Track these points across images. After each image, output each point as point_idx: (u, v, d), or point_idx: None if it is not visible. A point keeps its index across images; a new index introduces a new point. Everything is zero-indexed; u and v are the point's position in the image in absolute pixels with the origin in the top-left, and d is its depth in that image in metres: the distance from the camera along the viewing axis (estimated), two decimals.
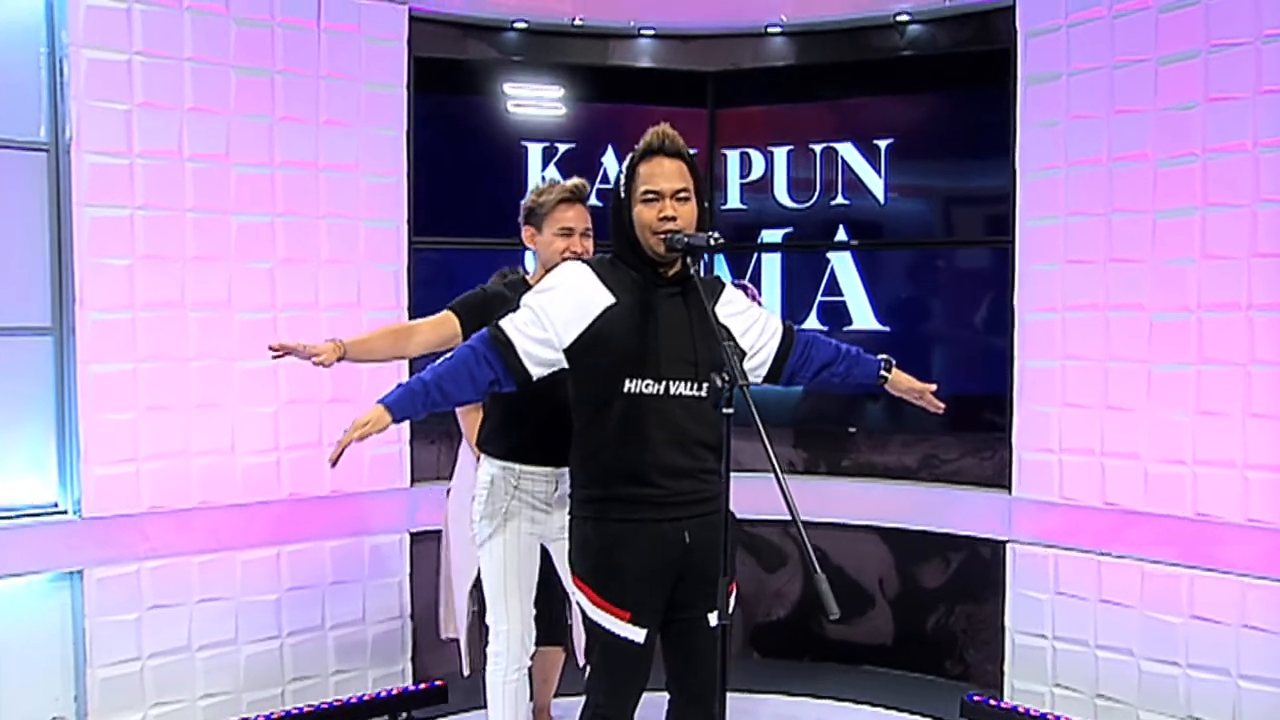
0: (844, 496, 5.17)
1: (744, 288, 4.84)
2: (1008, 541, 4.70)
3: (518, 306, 2.84)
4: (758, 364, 2.98)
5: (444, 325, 3.42)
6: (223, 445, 4.42)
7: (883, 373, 3.16)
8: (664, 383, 2.77)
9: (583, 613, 2.87)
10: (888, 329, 5.09)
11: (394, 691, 4.65)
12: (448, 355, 2.83)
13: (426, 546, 4.75)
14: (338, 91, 4.65)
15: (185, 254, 4.32)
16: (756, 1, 5.13)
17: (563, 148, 5.13)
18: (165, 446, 4.29)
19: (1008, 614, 4.69)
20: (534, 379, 2.81)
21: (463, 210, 5.00)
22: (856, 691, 4.94)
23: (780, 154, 5.26)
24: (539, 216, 3.52)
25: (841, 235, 5.18)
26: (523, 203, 3.59)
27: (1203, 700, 4.12)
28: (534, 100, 5.13)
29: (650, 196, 2.78)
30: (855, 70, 5.16)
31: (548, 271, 3.08)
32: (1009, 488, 4.70)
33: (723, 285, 3.00)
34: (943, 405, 3.23)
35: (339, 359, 3.24)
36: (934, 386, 3.22)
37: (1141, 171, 4.25)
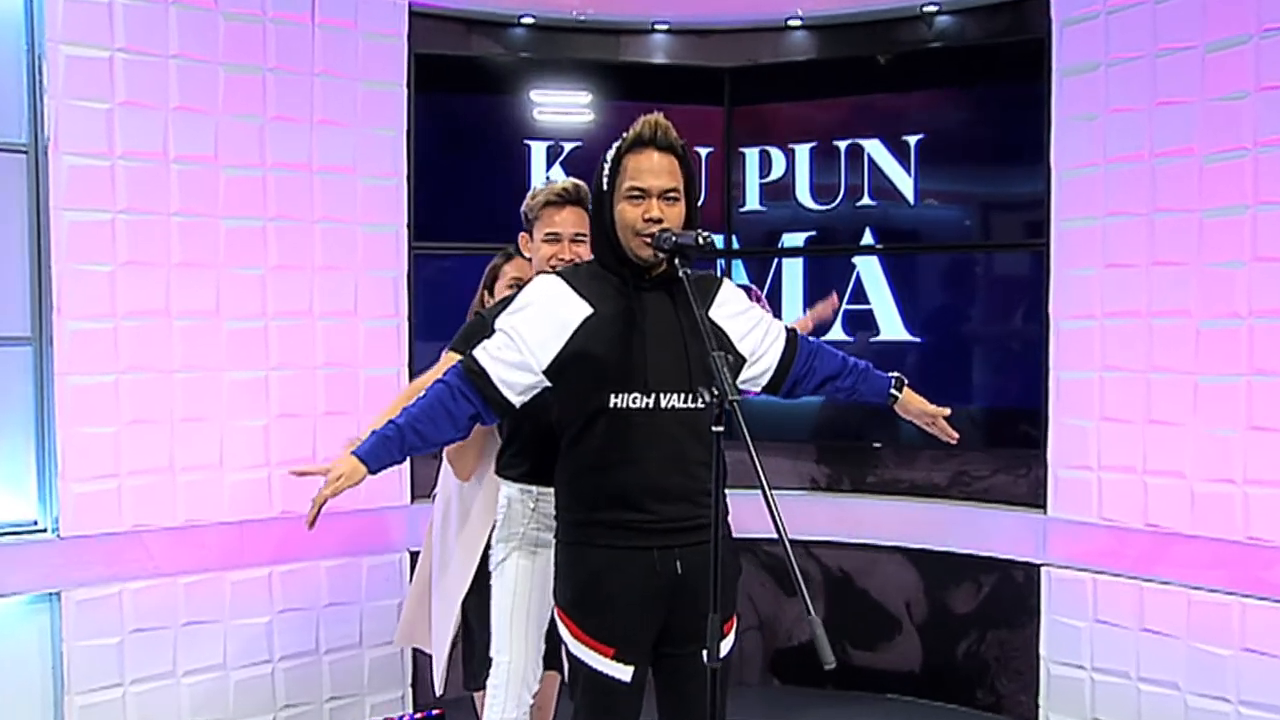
0: (869, 515, 4.92)
1: (747, 289, 4.51)
2: (1043, 565, 4.44)
3: (493, 330, 2.61)
4: (758, 372, 2.73)
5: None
6: (210, 461, 4.22)
7: (893, 391, 2.90)
8: (653, 395, 2.52)
9: (565, 647, 2.63)
10: (918, 339, 4.82)
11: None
12: (421, 394, 2.59)
13: None
14: (333, 90, 4.45)
15: (170, 260, 4.13)
16: None
17: (569, 147, 4.90)
18: (149, 462, 4.10)
19: (1043, 642, 4.43)
20: (517, 407, 2.57)
21: (466, 214, 4.78)
22: None
23: (802, 152, 5.00)
24: (530, 221, 3.27)
25: (868, 239, 4.91)
26: (521, 209, 3.35)
27: None
28: (541, 99, 4.90)
29: (635, 194, 2.53)
30: (881, 65, 4.89)
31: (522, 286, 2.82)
32: (1044, 507, 4.44)
33: (719, 283, 2.72)
34: (956, 435, 2.95)
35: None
36: (947, 411, 2.94)
37: (1187, 168, 3.96)
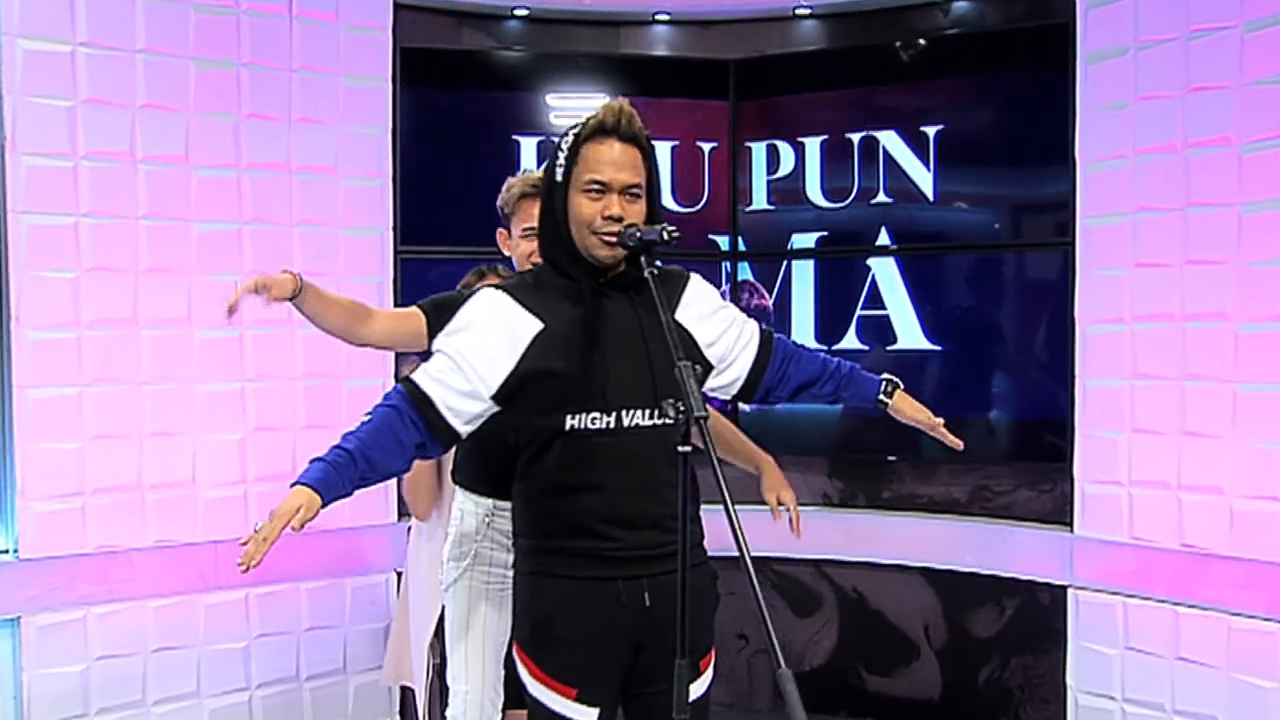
0: (884, 533, 4.64)
1: (751, 287, 4.12)
2: (1069, 587, 4.16)
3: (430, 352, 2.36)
4: (727, 381, 2.47)
5: (407, 320, 2.89)
6: (182, 477, 4.01)
7: (882, 397, 2.61)
8: (614, 414, 2.26)
9: (523, 687, 2.37)
10: (938, 348, 4.55)
11: None
12: (366, 417, 2.31)
13: None
14: (313, 86, 4.23)
15: (138, 266, 3.92)
16: None
17: None
18: (115, 480, 3.88)
19: (1070, 669, 4.14)
20: (463, 436, 2.30)
21: (456, 216, 4.54)
22: None
23: (813, 146, 4.72)
24: (507, 216, 3.03)
25: (884, 239, 4.63)
26: (498, 203, 3.10)
27: None
28: (537, 95, 4.66)
29: (594, 188, 2.26)
30: (894, 54, 4.61)
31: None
32: (1070, 525, 4.16)
33: (686, 280, 2.44)
34: (960, 443, 2.66)
35: (290, 298, 2.72)
36: (941, 421, 2.66)
37: (1224, 158, 3.68)
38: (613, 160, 2.28)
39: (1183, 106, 3.77)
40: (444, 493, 3.26)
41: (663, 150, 4.76)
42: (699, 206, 4.81)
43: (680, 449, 2.03)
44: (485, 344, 2.25)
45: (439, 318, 2.76)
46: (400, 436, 2.24)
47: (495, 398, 2.26)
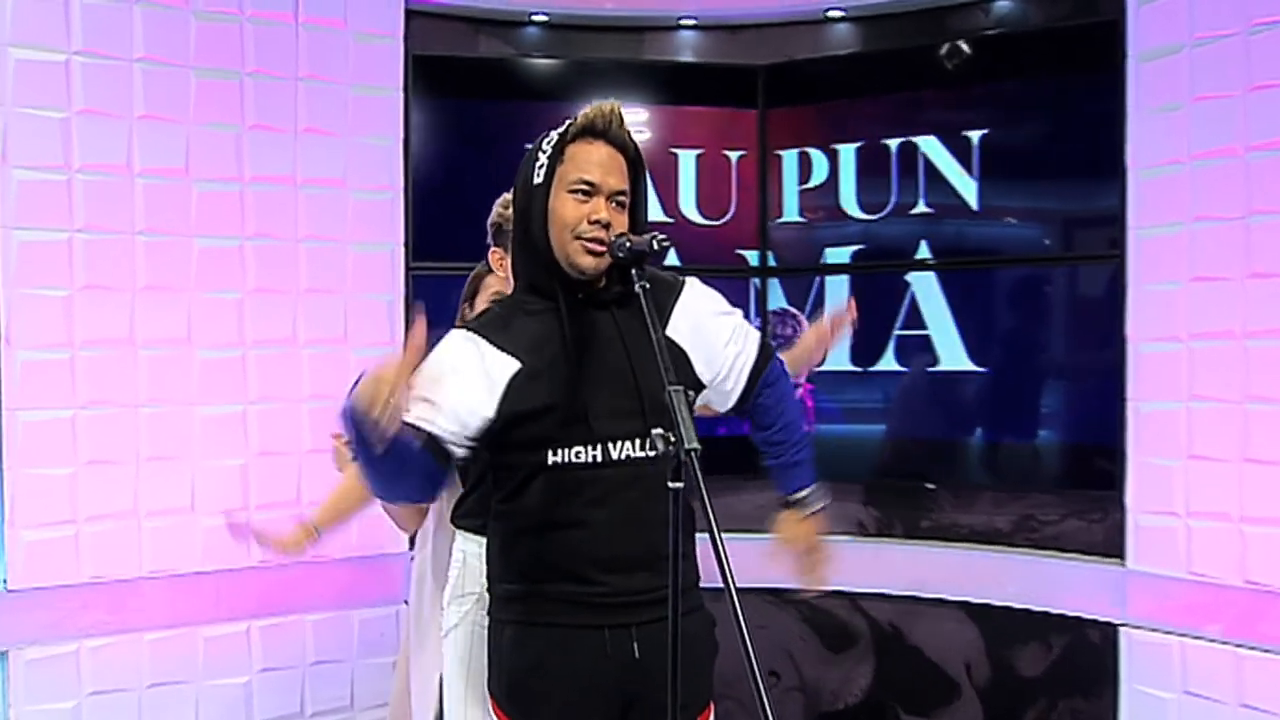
0: (923, 564, 4.38)
1: (785, 313, 3.81)
2: (1121, 625, 3.88)
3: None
4: (723, 396, 2.25)
5: None
6: (180, 504, 3.84)
7: (790, 499, 2.33)
8: (601, 445, 2.05)
9: None
10: (982, 368, 4.30)
11: None
12: None
13: None
14: (320, 95, 4.07)
15: (135, 284, 3.77)
16: None
17: None
18: (110, 507, 3.72)
19: (1123, 714, 3.87)
20: (458, 458, 2.07)
21: (471, 231, 4.31)
22: None
23: (847, 154, 4.49)
24: (506, 235, 2.81)
25: (924, 253, 4.39)
26: (489, 220, 2.90)
27: None
28: (557, 104, 4.46)
29: (581, 188, 2.05)
30: (933, 57, 4.36)
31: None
32: (1123, 558, 3.89)
33: (680, 287, 2.21)
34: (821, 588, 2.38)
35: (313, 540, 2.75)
36: (821, 569, 2.36)
37: None
38: (601, 162, 2.08)
39: (1244, 107, 3.51)
40: (441, 530, 3.06)
41: (688, 160, 4.55)
42: (726, 219, 4.59)
43: (672, 485, 1.81)
44: (461, 389, 2.03)
45: None
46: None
47: (474, 441, 2.06)
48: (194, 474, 3.86)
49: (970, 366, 4.31)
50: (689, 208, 4.55)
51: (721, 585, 1.77)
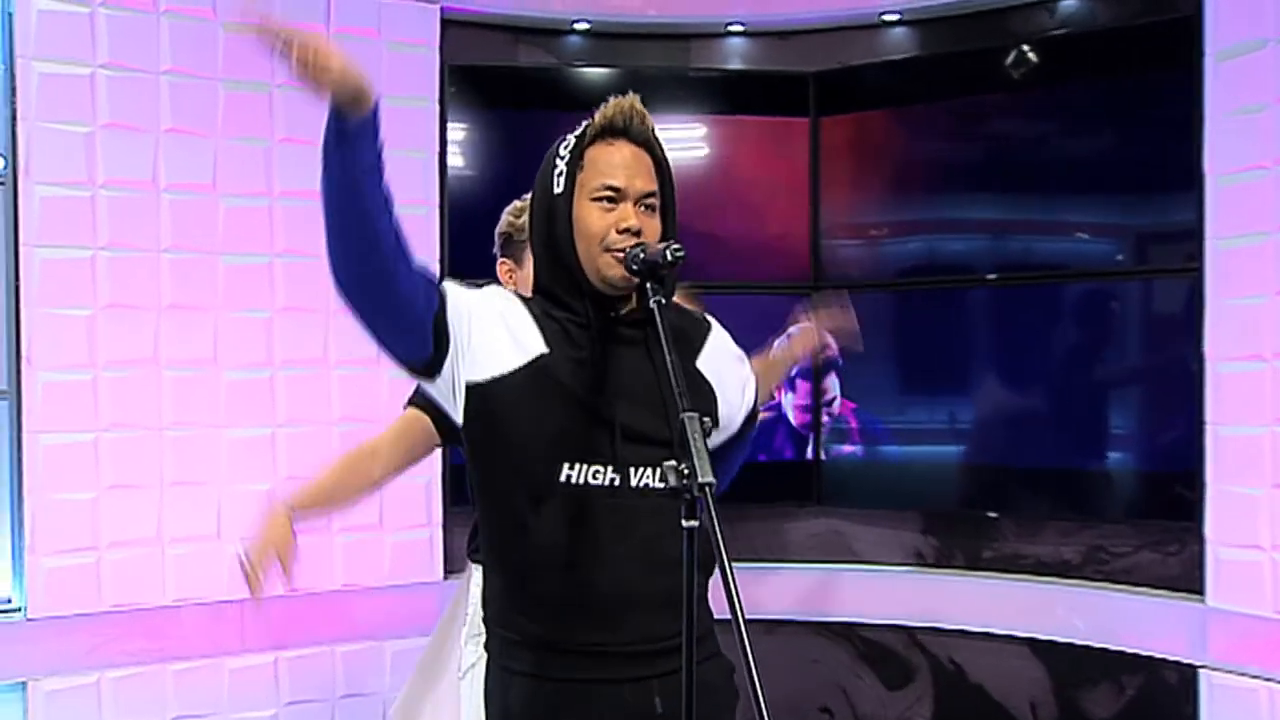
0: (985, 598, 4.16)
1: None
2: (1201, 666, 3.64)
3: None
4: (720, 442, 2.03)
5: (409, 425, 2.52)
6: (205, 531, 3.73)
7: None
8: (622, 470, 1.85)
9: None
10: (1049, 389, 4.10)
11: None
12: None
13: None
14: None
15: (160, 302, 3.67)
16: None
17: None
18: (132, 533, 3.63)
19: None
20: (436, 375, 1.86)
21: None
22: None
23: (903, 163, 4.34)
24: (517, 245, 2.64)
25: (986, 268, 4.19)
26: (497, 229, 2.73)
27: None
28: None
29: (606, 195, 1.87)
30: (994, 61, 4.14)
31: None
32: (1201, 594, 3.64)
33: (709, 327, 2.06)
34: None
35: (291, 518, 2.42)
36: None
37: None
38: (625, 163, 1.89)
39: None
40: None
41: (738, 172, 4.37)
42: (776, 232, 4.40)
43: (685, 524, 1.62)
44: (490, 331, 1.86)
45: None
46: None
47: (471, 392, 1.85)
48: (220, 499, 3.76)
49: (1036, 387, 4.09)
50: (737, 220, 4.36)
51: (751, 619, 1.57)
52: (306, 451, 3.86)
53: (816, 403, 4.35)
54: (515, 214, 2.64)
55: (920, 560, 4.33)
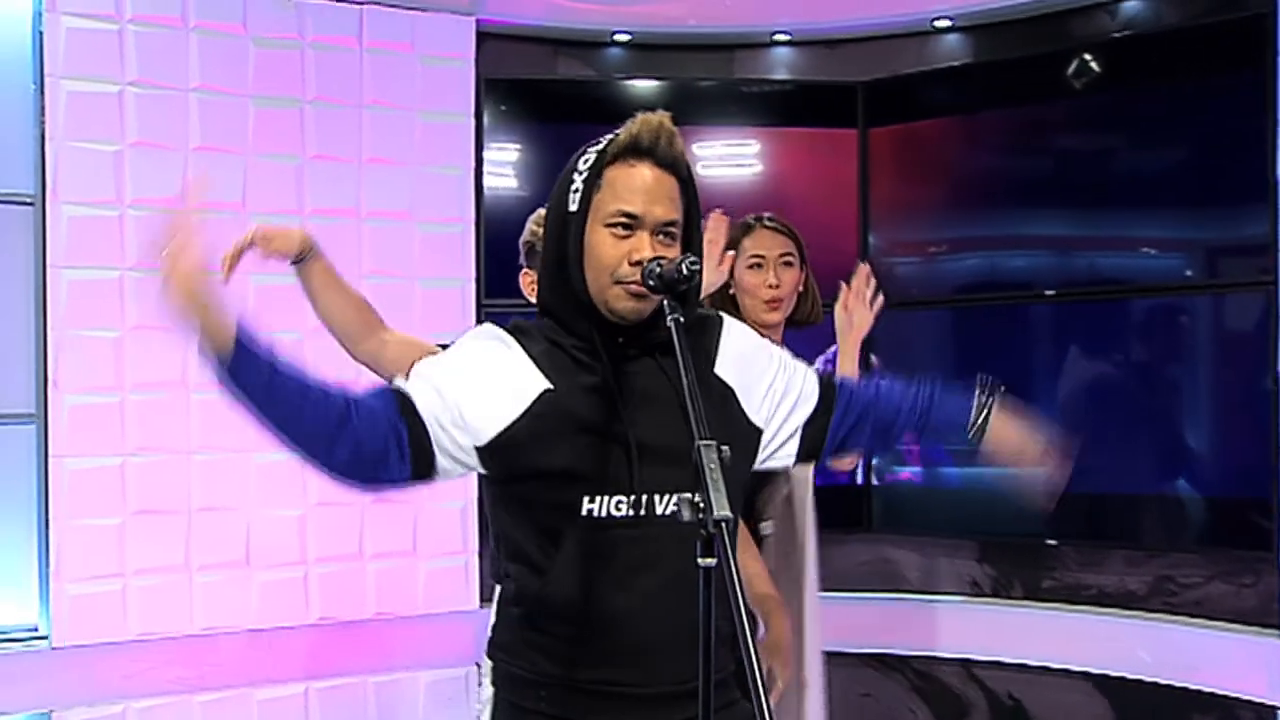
0: (1045, 630, 3.98)
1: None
2: None
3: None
4: (784, 437, 1.91)
5: (422, 352, 2.40)
6: (234, 558, 3.67)
7: (974, 426, 1.97)
8: (645, 499, 1.73)
9: None
10: (1113, 411, 3.90)
11: None
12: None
13: None
14: (385, 123, 3.88)
15: None
16: None
17: None
18: (160, 559, 3.58)
19: None
20: (434, 470, 1.76)
21: None
22: None
23: (958, 175, 4.20)
24: (538, 254, 2.51)
25: (1047, 283, 4.03)
26: (521, 239, 2.61)
27: None
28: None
29: (620, 221, 1.74)
30: (1053, 66, 3.96)
31: None
32: (1279, 629, 3.43)
33: (720, 322, 1.91)
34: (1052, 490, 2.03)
35: (295, 260, 2.37)
36: (1040, 450, 2.01)
37: None
38: (645, 188, 1.75)
39: None
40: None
41: (785, 185, 4.23)
42: (824, 247, 4.24)
43: (702, 562, 1.48)
44: (477, 388, 1.75)
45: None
46: (375, 426, 1.72)
47: (483, 450, 1.75)
48: (249, 525, 3.70)
49: (1100, 408, 3.90)
50: None
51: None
52: None
53: None
54: (538, 223, 2.54)
55: (976, 590, 4.16)
